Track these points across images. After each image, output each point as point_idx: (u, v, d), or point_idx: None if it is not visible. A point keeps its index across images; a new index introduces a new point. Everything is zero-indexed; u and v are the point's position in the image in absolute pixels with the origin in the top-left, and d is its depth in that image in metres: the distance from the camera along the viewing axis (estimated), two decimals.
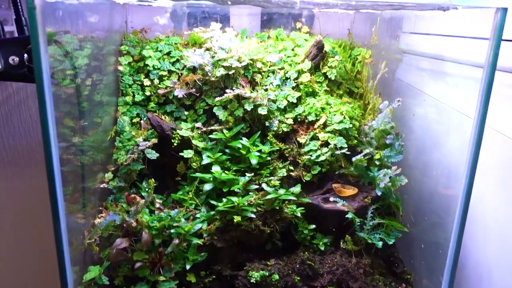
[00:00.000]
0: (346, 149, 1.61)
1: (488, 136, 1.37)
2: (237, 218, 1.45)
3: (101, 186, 1.59)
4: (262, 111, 1.68)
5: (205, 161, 1.62)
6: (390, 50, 1.89)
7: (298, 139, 1.69)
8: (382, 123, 1.63)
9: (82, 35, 1.52)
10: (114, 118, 1.73)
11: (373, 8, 1.72)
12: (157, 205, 1.57)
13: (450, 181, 1.46)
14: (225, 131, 1.68)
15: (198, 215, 1.54)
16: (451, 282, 1.35)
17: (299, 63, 1.80)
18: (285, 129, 1.70)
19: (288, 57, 1.84)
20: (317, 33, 1.98)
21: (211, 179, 1.59)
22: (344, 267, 1.48)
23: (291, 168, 1.65)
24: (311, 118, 1.69)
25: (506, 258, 1.35)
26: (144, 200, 1.50)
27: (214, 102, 1.71)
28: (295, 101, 1.74)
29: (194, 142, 1.64)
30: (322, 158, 1.62)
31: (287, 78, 1.79)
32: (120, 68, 1.76)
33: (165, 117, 1.71)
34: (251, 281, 1.41)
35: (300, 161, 1.65)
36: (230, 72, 1.71)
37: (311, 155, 1.63)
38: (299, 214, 1.53)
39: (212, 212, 1.52)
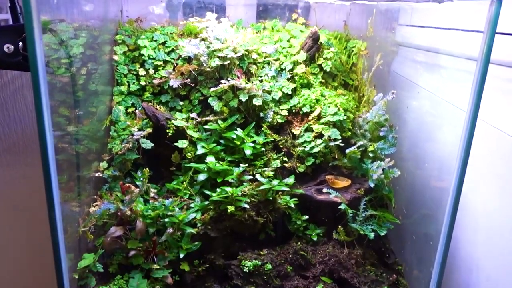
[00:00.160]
0: (340, 141, 1.63)
1: (480, 129, 1.39)
2: (230, 208, 1.47)
3: (96, 175, 1.59)
4: (257, 102, 1.68)
5: (200, 151, 1.63)
6: (385, 42, 1.89)
7: (292, 130, 1.70)
8: (376, 116, 1.65)
9: (77, 23, 1.52)
10: (109, 107, 1.73)
11: (369, 0, 1.72)
12: (152, 195, 1.58)
13: (442, 174, 1.47)
14: (220, 121, 1.69)
15: (192, 205, 1.55)
16: (441, 273, 1.37)
17: (294, 55, 1.80)
18: (279, 121, 1.71)
19: (283, 48, 1.84)
20: (313, 25, 1.98)
21: (206, 169, 1.59)
22: (336, 258, 1.50)
23: (285, 159, 1.66)
24: (305, 109, 1.70)
25: (495, 249, 1.37)
26: (138, 189, 1.51)
27: (209, 93, 1.72)
28: (290, 92, 1.75)
29: (189, 132, 1.65)
30: (316, 149, 1.63)
31: (282, 69, 1.79)
32: (115, 57, 1.75)
33: (160, 107, 1.71)
34: (244, 270, 1.42)
35: (294, 152, 1.66)
36: (225, 63, 1.72)
37: (305, 147, 1.64)
38: (292, 205, 1.55)
39: (206, 202, 1.53)
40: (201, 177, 1.59)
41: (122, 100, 1.74)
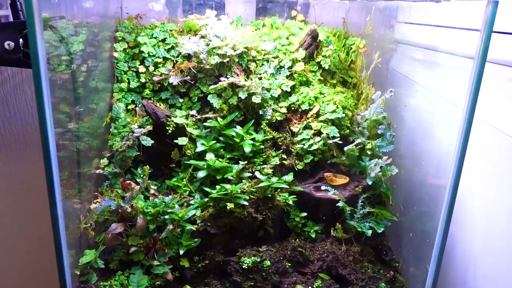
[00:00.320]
0: (339, 138, 1.64)
1: (477, 128, 1.40)
2: (230, 205, 1.48)
3: (97, 172, 1.61)
4: (256, 99, 1.69)
5: (199, 148, 1.64)
6: (384, 39, 1.90)
7: (291, 128, 1.71)
8: (374, 113, 1.66)
9: (77, 20, 1.52)
10: (109, 104, 1.74)
11: (368, 0, 1.73)
12: (152, 191, 1.60)
13: (440, 172, 1.49)
14: (219, 119, 1.70)
15: (192, 202, 1.56)
16: (437, 270, 1.39)
17: (293, 52, 1.81)
18: (278, 118, 1.72)
19: (282, 45, 1.85)
20: (312, 22, 1.99)
21: (205, 166, 1.61)
22: (334, 254, 1.52)
23: (284, 156, 1.68)
24: (304, 107, 1.71)
25: (491, 247, 1.39)
26: (139, 186, 1.53)
27: (209, 90, 1.73)
28: (289, 90, 1.76)
29: (188, 129, 1.66)
30: (314, 147, 1.64)
31: (281, 67, 1.80)
32: (115, 54, 1.76)
33: (160, 104, 1.72)
34: (243, 266, 1.44)
35: (293, 149, 1.68)
36: (225, 60, 1.72)
37: (303, 144, 1.66)
38: (291, 202, 1.56)
39: (206, 199, 1.55)
40: (201, 174, 1.60)
41: (122, 97, 1.75)
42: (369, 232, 1.54)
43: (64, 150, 1.34)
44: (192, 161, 1.63)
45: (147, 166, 1.56)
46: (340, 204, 1.54)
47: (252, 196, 1.53)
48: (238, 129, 1.68)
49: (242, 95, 1.69)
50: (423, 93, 1.64)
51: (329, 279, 1.49)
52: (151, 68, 1.77)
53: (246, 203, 1.50)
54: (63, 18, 1.40)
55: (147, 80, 1.77)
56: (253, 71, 1.78)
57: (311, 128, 1.67)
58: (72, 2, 1.47)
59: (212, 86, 1.71)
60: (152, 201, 1.53)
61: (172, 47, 1.80)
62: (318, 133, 1.66)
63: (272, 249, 1.52)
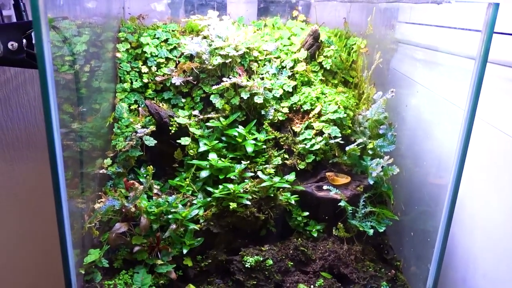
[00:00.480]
0: (340, 138, 1.65)
1: (478, 128, 1.42)
2: (232, 205, 1.49)
3: (100, 171, 1.62)
4: (258, 99, 1.70)
5: (202, 148, 1.65)
6: (385, 39, 1.91)
7: (293, 128, 1.73)
8: (375, 113, 1.67)
9: (80, 21, 1.53)
10: (112, 104, 1.75)
11: (368, 2, 1.74)
12: (155, 191, 1.61)
13: (441, 171, 1.50)
14: (221, 119, 1.71)
15: (195, 201, 1.58)
16: (438, 269, 1.40)
17: (295, 52, 1.82)
18: (280, 118, 1.73)
19: (284, 46, 1.86)
20: (314, 22, 2.00)
21: (208, 166, 1.62)
22: (336, 253, 1.53)
23: (286, 156, 1.69)
24: (306, 107, 1.72)
25: (492, 246, 1.40)
26: (142, 186, 1.54)
27: (211, 90, 1.74)
28: (290, 90, 1.77)
29: (191, 129, 1.67)
30: (316, 147, 1.65)
31: (283, 67, 1.81)
32: (118, 54, 1.77)
33: (162, 105, 1.73)
34: (246, 265, 1.45)
35: (295, 149, 1.69)
36: (227, 61, 1.73)
37: (305, 144, 1.67)
38: (293, 202, 1.58)
39: (209, 199, 1.56)
40: (204, 174, 1.62)
41: (125, 97, 1.76)
42: (371, 231, 1.55)
43: (68, 150, 1.35)
44: (194, 161, 1.64)
45: (150, 166, 1.57)
46: (342, 203, 1.56)
47: (255, 196, 1.54)
48: (241, 129, 1.69)
49: (244, 95, 1.70)
50: (424, 93, 1.65)
51: (331, 278, 1.50)
52: (154, 69, 1.78)
53: (248, 202, 1.51)
54: (66, 19, 1.40)
55: (150, 80, 1.78)
56: (255, 71, 1.79)
57: (313, 128, 1.68)
58: (75, 3, 1.48)
59: (214, 87, 1.72)
60: (156, 200, 1.54)
61: (175, 48, 1.81)
62: (320, 133, 1.68)
63: (275, 248, 1.54)
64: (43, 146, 1.20)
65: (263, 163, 1.66)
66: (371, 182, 1.60)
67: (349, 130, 1.71)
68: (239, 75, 1.73)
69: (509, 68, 1.33)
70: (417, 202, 1.63)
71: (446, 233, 1.37)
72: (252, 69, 1.79)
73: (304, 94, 1.75)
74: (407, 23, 1.84)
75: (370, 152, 1.66)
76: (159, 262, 1.45)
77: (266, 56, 1.82)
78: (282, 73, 1.80)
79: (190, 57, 1.79)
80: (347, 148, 1.65)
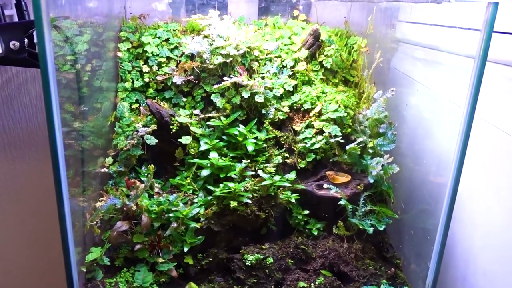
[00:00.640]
0: (340, 137, 1.66)
1: (479, 127, 1.42)
2: (233, 203, 1.50)
3: (102, 170, 1.63)
4: (259, 98, 1.71)
5: (203, 147, 1.66)
6: (386, 39, 1.91)
7: (293, 127, 1.73)
8: (376, 112, 1.68)
9: (81, 20, 1.54)
10: (113, 103, 1.76)
11: (368, 1, 1.75)
12: (156, 190, 1.62)
13: (440, 170, 1.51)
14: (222, 118, 1.72)
15: (195, 200, 1.58)
16: (437, 267, 1.41)
17: (295, 52, 1.83)
18: (281, 117, 1.74)
19: (285, 45, 1.87)
20: (314, 21, 2.01)
21: (209, 165, 1.63)
22: (336, 252, 1.54)
23: (287, 155, 1.70)
24: (306, 106, 1.73)
25: (492, 245, 1.41)
26: (143, 184, 1.55)
27: (212, 89, 1.74)
28: (291, 89, 1.77)
29: (192, 128, 1.68)
30: (316, 145, 1.66)
31: (283, 66, 1.82)
32: (119, 54, 1.78)
33: (163, 104, 1.74)
34: (246, 263, 1.46)
35: (295, 148, 1.70)
36: (228, 60, 1.74)
37: (306, 143, 1.67)
38: (293, 200, 1.58)
39: (209, 197, 1.57)
40: (204, 172, 1.62)
41: (126, 96, 1.76)
42: (371, 229, 1.56)
43: (69, 149, 1.36)
44: (195, 160, 1.65)
45: (152, 165, 1.58)
46: (342, 202, 1.56)
47: (255, 194, 1.55)
48: (241, 128, 1.70)
49: (245, 95, 1.71)
50: (424, 92, 1.66)
51: (331, 276, 1.51)
52: (155, 68, 1.79)
53: (249, 201, 1.52)
54: (67, 18, 1.41)
55: (151, 79, 1.79)
56: (255, 71, 1.80)
57: (313, 127, 1.69)
58: (76, 2, 1.48)
59: (215, 86, 1.73)
60: (157, 199, 1.55)
61: (176, 47, 1.81)
62: (320, 132, 1.68)
63: (275, 246, 1.54)
64: (45, 145, 1.21)
65: (264, 162, 1.67)
66: (371, 181, 1.61)
67: (350, 129, 1.72)
68: (240, 74, 1.74)
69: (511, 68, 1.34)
70: (417, 200, 1.63)
71: (445, 231, 1.38)
72: (253, 68, 1.80)
73: (304, 93, 1.76)
74: (408, 22, 1.84)
75: (370, 151, 1.67)
76: (160, 260, 1.46)
77: (266, 55, 1.83)
78: (282, 72, 1.80)
79: (191, 57, 1.80)
80: (347, 147, 1.65)
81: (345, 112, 1.69)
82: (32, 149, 2.07)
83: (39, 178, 2.06)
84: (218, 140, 1.69)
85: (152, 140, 1.65)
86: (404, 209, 1.69)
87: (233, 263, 1.49)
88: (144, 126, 1.68)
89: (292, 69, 1.80)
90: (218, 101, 1.73)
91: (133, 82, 1.78)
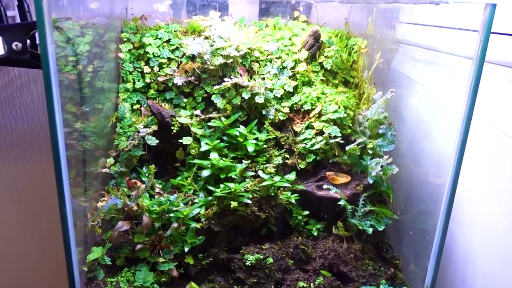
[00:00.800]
0: (340, 138, 1.66)
1: (479, 129, 1.43)
2: (233, 204, 1.51)
3: (103, 170, 1.64)
4: (259, 99, 1.72)
5: (204, 148, 1.67)
6: (386, 40, 1.92)
7: (294, 127, 1.74)
8: (375, 113, 1.68)
9: (83, 21, 1.55)
10: (115, 104, 1.77)
11: (367, 3, 1.75)
12: (157, 190, 1.63)
13: (439, 171, 1.51)
14: (223, 118, 1.73)
15: (196, 200, 1.60)
16: (436, 267, 1.42)
17: (296, 53, 1.83)
18: (281, 118, 1.75)
19: (285, 46, 1.87)
20: (315, 22, 2.01)
21: (209, 165, 1.64)
22: (336, 252, 1.55)
23: (287, 156, 1.71)
24: (306, 107, 1.74)
25: (490, 245, 1.41)
26: (144, 185, 1.56)
27: (213, 90, 1.75)
28: (291, 90, 1.78)
29: (193, 129, 1.69)
30: (316, 146, 1.67)
31: (284, 67, 1.83)
32: (121, 55, 1.79)
33: (164, 104, 1.75)
34: (247, 263, 1.47)
35: (295, 149, 1.71)
36: (229, 61, 1.75)
37: (306, 144, 1.68)
38: (293, 201, 1.59)
39: (210, 198, 1.58)
40: (205, 173, 1.63)
41: (128, 97, 1.77)
42: (370, 230, 1.57)
43: (71, 149, 1.37)
44: (196, 160, 1.66)
45: (153, 165, 1.59)
46: (342, 202, 1.57)
47: (255, 195, 1.56)
48: (242, 128, 1.71)
49: (246, 95, 1.71)
50: (424, 93, 1.66)
51: (330, 276, 1.52)
52: (156, 69, 1.80)
53: (249, 201, 1.53)
54: (69, 19, 1.42)
55: (152, 80, 1.80)
56: (256, 72, 1.81)
57: (313, 128, 1.70)
58: (78, 4, 1.49)
59: (216, 87, 1.74)
60: (158, 199, 1.56)
61: (177, 48, 1.82)
62: (320, 132, 1.69)
63: (275, 246, 1.55)
64: (47, 145, 1.23)
65: (264, 162, 1.68)
66: (371, 182, 1.62)
67: (349, 130, 1.72)
68: (241, 75, 1.75)
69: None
70: (416, 201, 1.64)
71: (444, 232, 1.38)
72: (253, 69, 1.81)
73: (304, 94, 1.76)
74: (408, 24, 1.85)
75: (370, 152, 1.67)
76: (161, 260, 1.47)
77: (267, 56, 1.83)
78: (283, 73, 1.81)
79: (192, 58, 1.80)
80: (347, 148, 1.66)
81: (345, 113, 1.70)
82: (34, 150, 2.08)
83: (41, 178, 2.08)
84: (218, 141, 1.70)
85: (153, 141, 1.66)
86: (403, 210, 1.70)
87: (233, 263, 1.50)
88: (145, 126, 1.69)
89: (292, 70, 1.81)
90: (219, 102, 1.74)
91: (134, 83, 1.79)
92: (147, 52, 1.80)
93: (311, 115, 1.73)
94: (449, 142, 1.36)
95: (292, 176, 1.63)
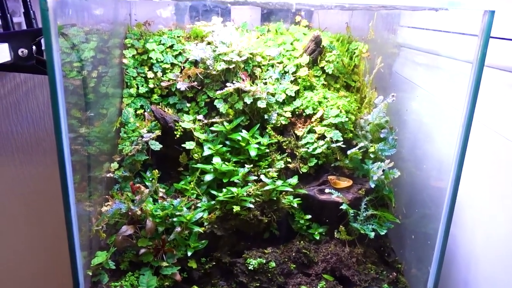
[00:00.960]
0: (342, 142, 1.67)
1: (480, 133, 1.44)
2: (236, 208, 1.52)
3: (107, 175, 1.66)
4: (261, 104, 1.74)
5: (206, 152, 1.69)
6: (387, 44, 1.93)
7: (295, 132, 1.75)
8: (377, 117, 1.69)
9: (88, 27, 1.57)
10: (119, 109, 1.79)
11: (367, 9, 1.76)
12: (160, 194, 1.64)
13: (441, 174, 1.52)
14: (225, 123, 1.74)
15: (199, 205, 1.61)
16: (438, 271, 1.43)
17: (297, 57, 1.85)
18: (283, 122, 1.76)
19: (287, 51, 1.89)
20: (316, 27, 2.03)
21: (212, 170, 1.65)
22: (338, 256, 1.56)
23: (289, 160, 1.72)
24: (308, 111, 1.75)
25: (493, 249, 1.42)
26: (148, 189, 1.57)
27: (215, 95, 1.77)
28: (293, 94, 1.80)
29: (195, 134, 1.71)
30: (318, 150, 1.68)
31: (285, 72, 1.84)
32: (125, 60, 1.81)
33: (168, 109, 1.77)
34: (249, 268, 1.48)
35: (297, 153, 1.72)
36: (231, 66, 1.77)
37: (308, 148, 1.70)
38: (295, 205, 1.60)
39: (213, 202, 1.59)
40: (208, 177, 1.65)
41: (132, 102, 1.79)
42: (372, 234, 1.57)
43: (76, 154, 1.39)
44: (199, 165, 1.67)
45: (156, 170, 1.61)
46: (344, 206, 1.58)
47: (258, 199, 1.57)
48: (244, 133, 1.72)
49: (248, 100, 1.73)
50: (425, 97, 1.67)
51: (333, 280, 1.53)
52: (159, 74, 1.81)
53: (252, 205, 1.54)
54: (74, 26, 1.44)
55: (156, 85, 1.81)
56: (258, 76, 1.82)
57: (315, 132, 1.71)
58: (83, 10, 1.51)
59: (218, 92, 1.75)
60: (161, 204, 1.57)
61: (180, 53, 1.84)
62: (322, 137, 1.70)
63: (277, 250, 1.57)
64: (52, 150, 1.24)
65: (266, 166, 1.69)
66: (373, 186, 1.63)
67: (351, 134, 1.73)
68: (243, 80, 1.77)
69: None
70: (418, 205, 1.65)
71: (445, 236, 1.39)
72: (255, 74, 1.82)
73: (306, 98, 1.78)
74: (409, 28, 1.86)
75: (372, 156, 1.68)
76: (164, 264, 1.48)
77: (269, 61, 1.85)
78: (284, 78, 1.83)
79: (195, 63, 1.82)
80: (349, 152, 1.67)
81: (346, 117, 1.71)
82: (39, 154, 2.10)
83: (46, 183, 2.09)
84: (221, 145, 1.71)
85: (156, 146, 1.68)
86: (405, 214, 1.70)
87: (236, 267, 1.51)
88: (148, 131, 1.70)
89: (294, 75, 1.83)
90: (221, 106, 1.75)
91: (138, 88, 1.81)
92: (151, 58, 1.82)
93: (312, 119, 1.74)
94: (450, 146, 1.37)
95: (294, 180, 1.65)
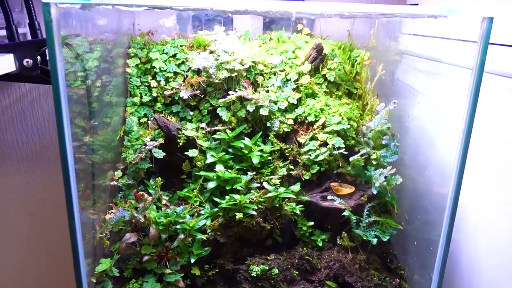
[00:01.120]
0: (344, 149, 1.68)
1: (480, 138, 1.44)
2: (239, 215, 1.53)
3: (111, 183, 1.67)
4: (264, 112, 1.75)
5: (209, 160, 1.70)
6: (389, 51, 1.94)
7: (298, 139, 1.76)
8: (379, 124, 1.70)
9: (91, 38, 1.59)
10: (122, 118, 1.81)
11: (366, 17, 1.78)
12: (164, 202, 1.65)
13: (443, 180, 1.52)
14: (228, 131, 1.75)
15: (202, 212, 1.62)
16: (440, 277, 1.42)
17: (299, 65, 1.86)
18: (285, 129, 1.77)
19: (289, 59, 1.91)
20: (318, 35, 2.04)
21: (215, 177, 1.66)
22: (341, 263, 1.56)
23: (291, 167, 1.73)
24: (310, 118, 1.76)
25: (496, 254, 1.42)
26: (151, 197, 1.58)
27: (218, 103, 1.79)
28: (295, 102, 1.81)
29: (198, 142, 1.72)
30: (321, 157, 1.69)
31: (287, 80, 1.85)
32: (128, 70, 1.83)
33: (171, 118, 1.78)
34: (252, 274, 1.49)
35: (300, 160, 1.73)
36: (233, 75, 1.78)
37: (310, 155, 1.70)
38: (298, 212, 1.61)
39: (216, 209, 1.60)
40: (211, 185, 1.66)
41: (135, 111, 1.81)
42: (375, 240, 1.58)
43: (80, 162, 1.40)
44: (202, 172, 1.68)
45: (159, 177, 1.62)
46: (346, 213, 1.59)
47: (261, 206, 1.58)
48: (247, 140, 1.73)
49: (250, 108, 1.74)
50: (426, 103, 1.68)
51: (336, 286, 1.53)
52: (163, 83, 1.83)
53: (254, 212, 1.55)
54: (78, 36, 1.46)
55: (159, 94, 1.83)
56: (260, 84, 1.84)
57: (317, 139, 1.72)
58: (87, 20, 1.53)
59: (221, 100, 1.77)
60: (164, 211, 1.58)
61: (183, 62, 1.86)
62: (324, 144, 1.71)
63: (280, 257, 1.57)
64: (57, 158, 1.26)
65: (269, 174, 1.70)
66: (375, 192, 1.63)
67: (353, 141, 1.74)
68: (245, 88, 1.78)
69: None
70: (421, 211, 1.65)
71: (447, 242, 1.39)
72: (258, 82, 1.84)
73: (308, 106, 1.79)
74: (410, 35, 1.87)
75: (374, 162, 1.69)
76: (168, 271, 1.49)
77: (271, 69, 1.87)
78: (287, 86, 1.84)
79: (198, 72, 1.84)
80: (351, 159, 1.68)
81: (348, 124, 1.72)
82: (44, 163, 2.13)
83: (51, 191, 2.12)
84: (224, 153, 1.72)
85: (159, 154, 1.69)
86: (408, 220, 1.71)
87: (239, 274, 1.52)
88: (152, 139, 1.72)
89: (296, 83, 1.84)
90: (224, 114, 1.77)
91: (141, 97, 1.83)
92: (154, 67, 1.84)
93: (315, 126, 1.75)
94: (452, 152, 1.37)
95: (296, 187, 1.65)
